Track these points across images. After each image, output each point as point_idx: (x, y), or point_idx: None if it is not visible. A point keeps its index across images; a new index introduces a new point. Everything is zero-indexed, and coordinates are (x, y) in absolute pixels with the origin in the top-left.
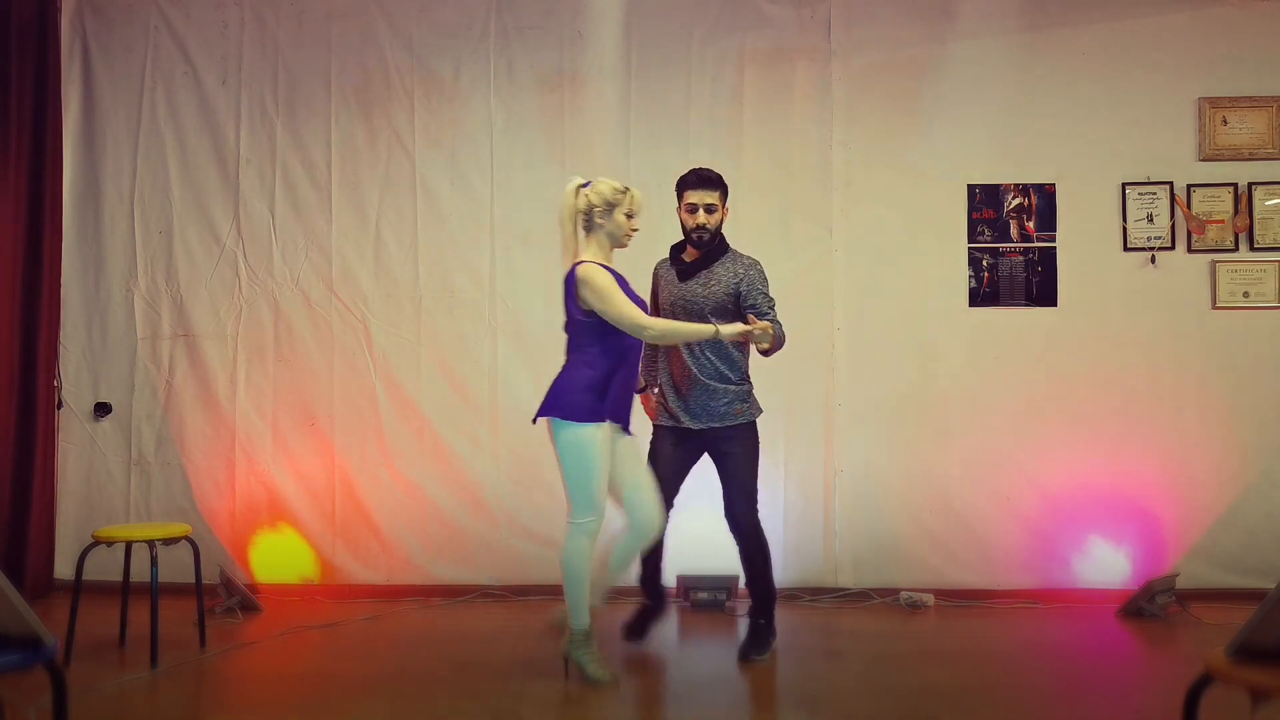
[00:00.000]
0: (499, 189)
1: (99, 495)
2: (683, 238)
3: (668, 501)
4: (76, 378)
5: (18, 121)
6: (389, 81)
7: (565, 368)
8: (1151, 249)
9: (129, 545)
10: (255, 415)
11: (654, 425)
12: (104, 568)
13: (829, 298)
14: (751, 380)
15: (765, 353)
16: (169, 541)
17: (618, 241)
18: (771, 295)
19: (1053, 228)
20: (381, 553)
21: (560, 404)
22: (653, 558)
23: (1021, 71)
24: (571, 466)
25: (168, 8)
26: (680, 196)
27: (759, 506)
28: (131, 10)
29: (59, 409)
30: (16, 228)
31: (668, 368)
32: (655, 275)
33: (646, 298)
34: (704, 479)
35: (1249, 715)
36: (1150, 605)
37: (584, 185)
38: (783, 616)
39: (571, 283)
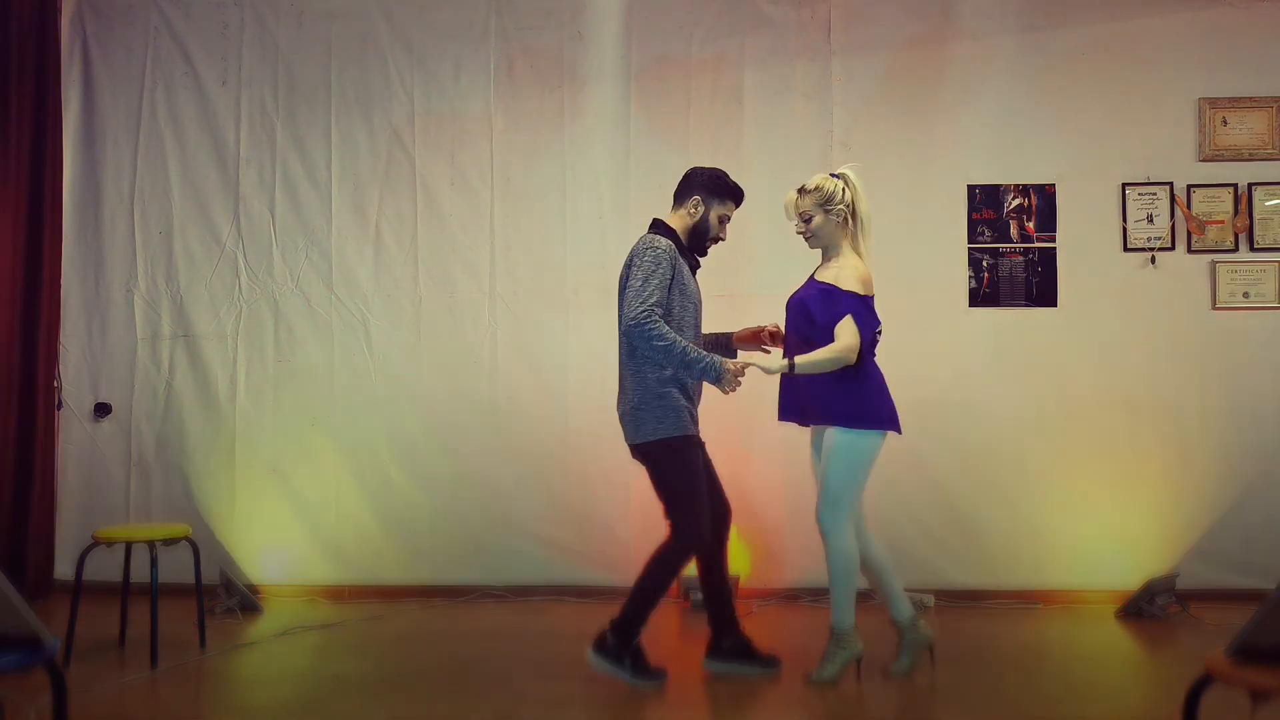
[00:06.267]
0: (499, 189)
1: (99, 495)
2: (698, 241)
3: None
4: (76, 378)
5: (18, 121)
6: (389, 81)
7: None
8: (1151, 249)
9: (129, 545)
10: (255, 415)
11: (691, 435)
12: (104, 568)
13: None
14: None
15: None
16: (169, 542)
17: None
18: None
19: (1053, 228)
20: (382, 553)
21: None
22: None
23: (1021, 71)
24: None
25: (168, 8)
26: (723, 204)
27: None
28: (131, 10)
29: (59, 409)
30: (16, 228)
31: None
32: (676, 264)
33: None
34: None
35: (1249, 715)
36: (1150, 605)
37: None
38: (784, 617)
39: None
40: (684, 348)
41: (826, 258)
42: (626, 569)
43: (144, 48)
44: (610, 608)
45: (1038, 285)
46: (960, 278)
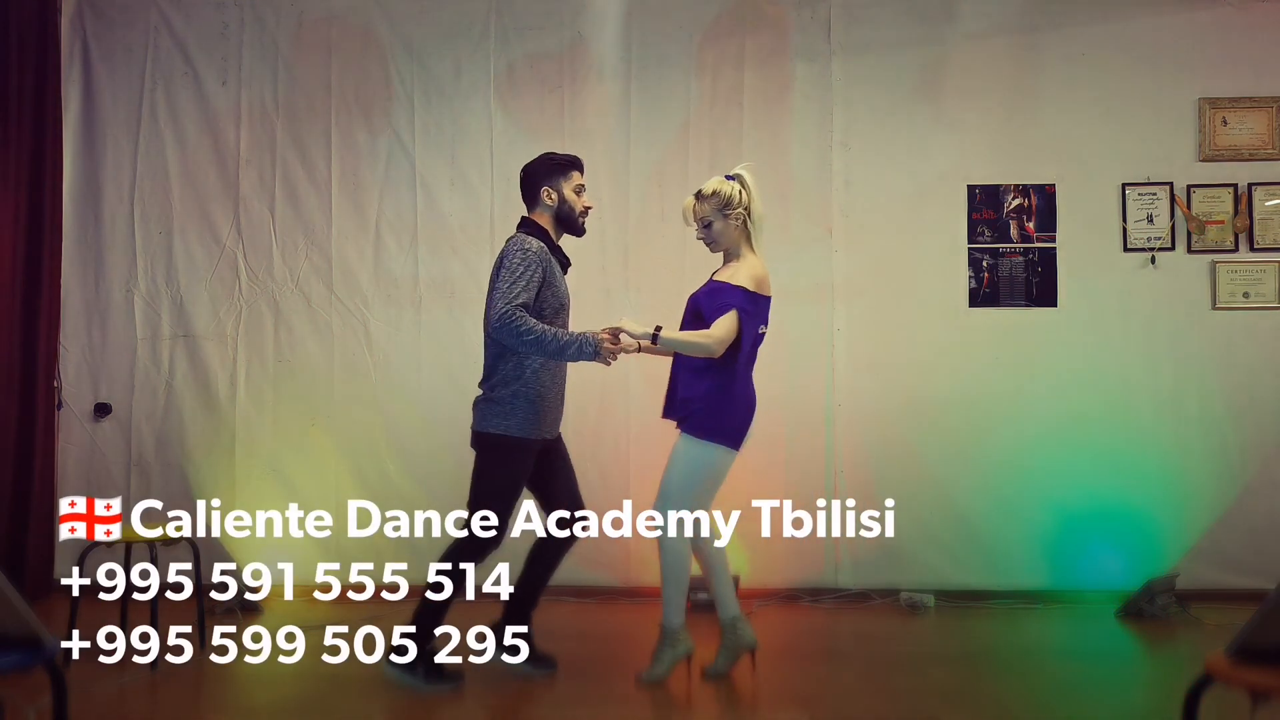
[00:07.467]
0: (499, 189)
1: (99, 495)
2: (570, 225)
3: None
4: (76, 378)
5: (18, 122)
6: (389, 81)
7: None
8: (1151, 249)
9: (129, 545)
10: (255, 416)
11: (527, 441)
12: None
13: (829, 298)
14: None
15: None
16: (169, 542)
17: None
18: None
19: (1053, 228)
20: (382, 553)
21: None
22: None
23: (1021, 71)
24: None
25: (168, 8)
26: (568, 178)
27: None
28: (131, 10)
29: (59, 409)
30: (16, 228)
31: (555, 375)
32: (547, 267)
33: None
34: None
35: (1249, 715)
36: (1150, 605)
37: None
38: (784, 617)
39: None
40: (553, 335)
41: (727, 260)
42: (626, 569)
43: (144, 48)
44: (610, 607)
45: (1038, 285)
46: (960, 278)
